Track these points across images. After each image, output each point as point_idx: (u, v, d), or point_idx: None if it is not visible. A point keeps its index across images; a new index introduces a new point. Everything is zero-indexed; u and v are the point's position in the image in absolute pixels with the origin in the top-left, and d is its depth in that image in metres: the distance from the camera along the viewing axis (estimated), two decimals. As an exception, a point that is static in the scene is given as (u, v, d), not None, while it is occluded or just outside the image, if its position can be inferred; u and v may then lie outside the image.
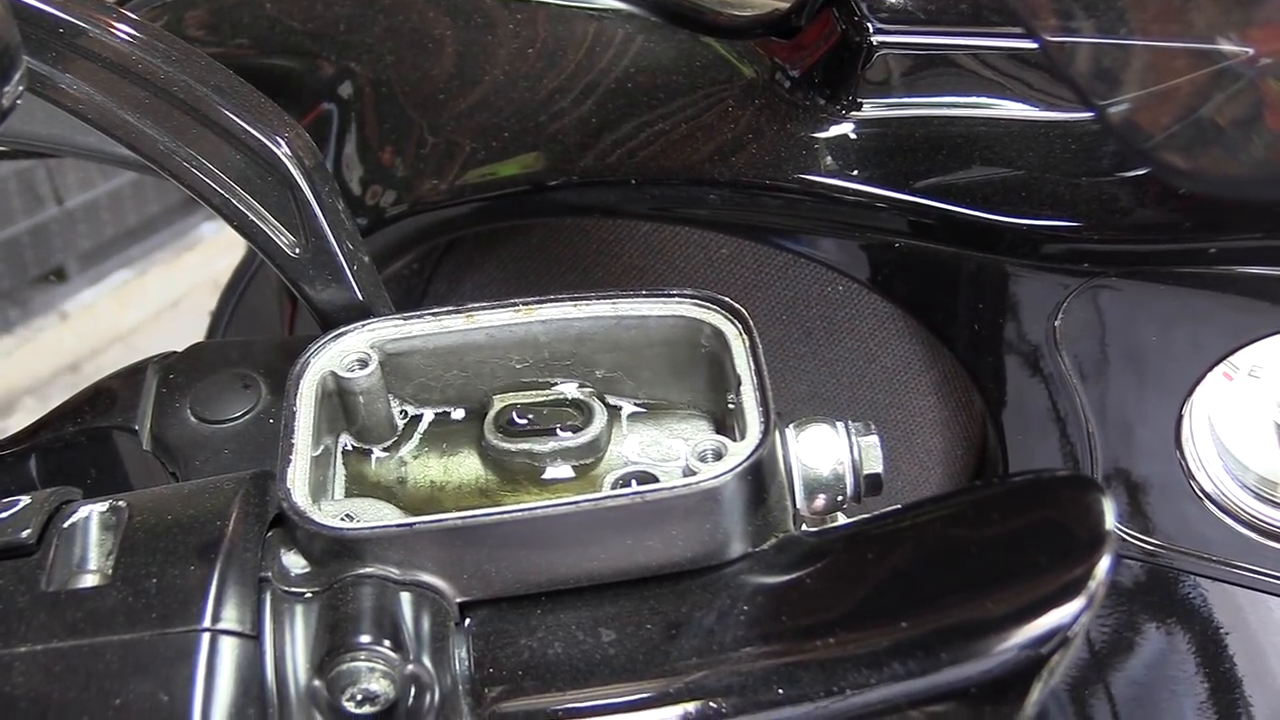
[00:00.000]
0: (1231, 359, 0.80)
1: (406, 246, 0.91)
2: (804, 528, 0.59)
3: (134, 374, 0.70)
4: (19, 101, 0.56)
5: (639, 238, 0.94)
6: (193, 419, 0.67)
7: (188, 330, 1.12)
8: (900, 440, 0.96)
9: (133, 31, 0.62)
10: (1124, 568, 0.86)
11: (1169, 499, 0.83)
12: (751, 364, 0.58)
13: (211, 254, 3.14)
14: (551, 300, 0.62)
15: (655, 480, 0.58)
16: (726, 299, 0.61)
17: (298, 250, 0.64)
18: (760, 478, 0.54)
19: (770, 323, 0.94)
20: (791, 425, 0.59)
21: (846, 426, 0.59)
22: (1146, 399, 0.81)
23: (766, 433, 0.55)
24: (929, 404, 0.94)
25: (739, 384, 0.58)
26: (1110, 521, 0.48)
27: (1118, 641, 0.88)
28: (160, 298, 3.07)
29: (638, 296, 0.62)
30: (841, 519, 0.62)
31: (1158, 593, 0.86)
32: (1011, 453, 0.86)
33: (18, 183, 2.76)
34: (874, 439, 0.59)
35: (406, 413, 0.64)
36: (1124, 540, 0.85)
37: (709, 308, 0.61)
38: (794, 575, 0.54)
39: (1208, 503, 0.83)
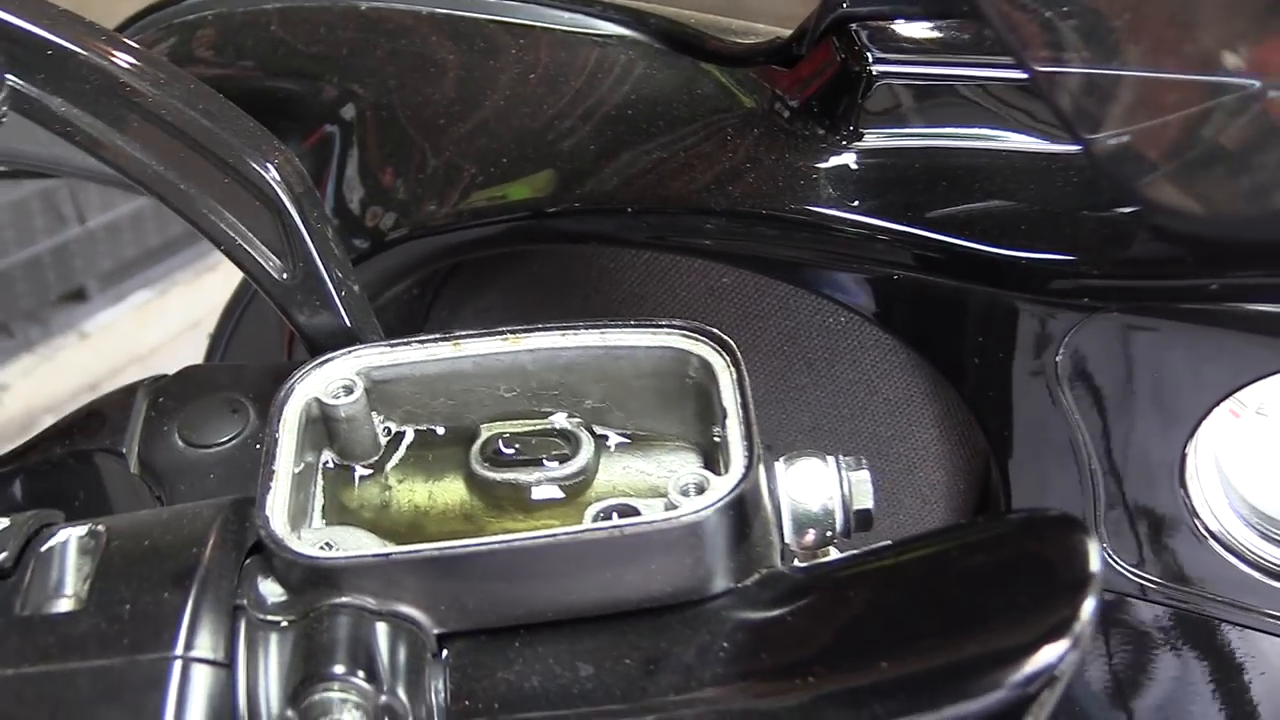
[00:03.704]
0: (1238, 396, 0.78)
1: (407, 270, 0.91)
2: (795, 563, 0.58)
3: (124, 397, 0.70)
4: (3, 120, 0.56)
5: (640, 265, 0.94)
6: (180, 443, 0.67)
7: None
8: (902, 474, 0.95)
9: (122, 55, 0.62)
10: (1127, 606, 0.85)
11: (1173, 537, 0.82)
12: (738, 397, 0.58)
13: (233, 275, 3.13)
14: (540, 329, 0.61)
15: (636, 513, 0.57)
16: (715, 330, 0.60)
17: (286, 276, 0.64)
18: (743, 512, 0.53)
19: (772, 353, 0.94)
20: (781, 459, 0.58)
21: (837, 460, 0.59)
22: (1150, 436, 0.79)
23: (750, 467, 0.54)
24: (931, 437, 0.93)
25: (724, 417, 0.57)
26: (1095, 562, 0.47)
27: (1120, 680, 0.87)
28: (181, 318, 3.07)
29: (626, 327, 0.61)
30: (834, 553, 0.61)
31: (1160, 632, 0.85)
32: (1014, 488, 0.84)
33: (41, 202, 2.77)
34: (865, 474, 0.58)
35: (390, 429, 0.63)
36: (1126, 578, 0.83)
37: (697, 339, 0.60)
38: (776, 612, 0.53)
39: (1212, 541, 0.82)
